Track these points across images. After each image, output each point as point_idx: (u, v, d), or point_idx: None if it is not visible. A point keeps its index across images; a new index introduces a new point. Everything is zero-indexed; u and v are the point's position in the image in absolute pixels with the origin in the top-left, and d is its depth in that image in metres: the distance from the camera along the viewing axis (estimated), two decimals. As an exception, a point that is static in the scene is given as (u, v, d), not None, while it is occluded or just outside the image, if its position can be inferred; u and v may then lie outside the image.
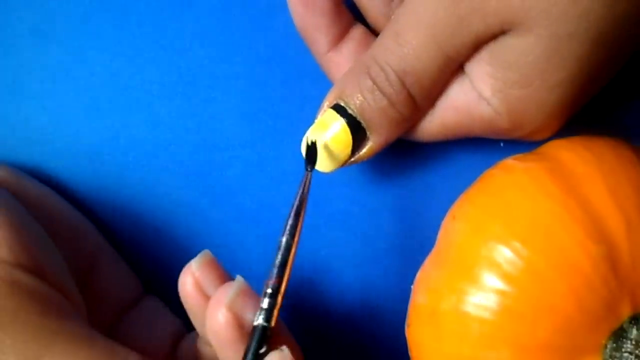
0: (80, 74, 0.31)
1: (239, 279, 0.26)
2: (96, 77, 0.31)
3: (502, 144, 0.31)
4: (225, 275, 0.27)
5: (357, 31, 0.29)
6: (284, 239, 0.26)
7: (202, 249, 0.31)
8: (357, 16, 0.30)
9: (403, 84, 0.27)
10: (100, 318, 0.29)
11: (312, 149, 0.27)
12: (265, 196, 0.31)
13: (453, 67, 0.27)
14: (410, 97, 0.27)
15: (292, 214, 0.26)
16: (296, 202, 0.27)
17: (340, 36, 0.29)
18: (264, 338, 0.25)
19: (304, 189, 0.27)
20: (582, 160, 0.25)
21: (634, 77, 0.32)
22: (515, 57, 0.25)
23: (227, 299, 0.25)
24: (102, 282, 0.29)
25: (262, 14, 0.31)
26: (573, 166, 0.25)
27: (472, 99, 0.27)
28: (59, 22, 0.31)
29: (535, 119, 0.27)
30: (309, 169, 0.27)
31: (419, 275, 0.28)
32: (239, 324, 0.25)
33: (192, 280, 0.27)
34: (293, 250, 0.26)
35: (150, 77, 0.31)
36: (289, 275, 0.26)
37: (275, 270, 0.26)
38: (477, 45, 0.26)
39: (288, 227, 0.26)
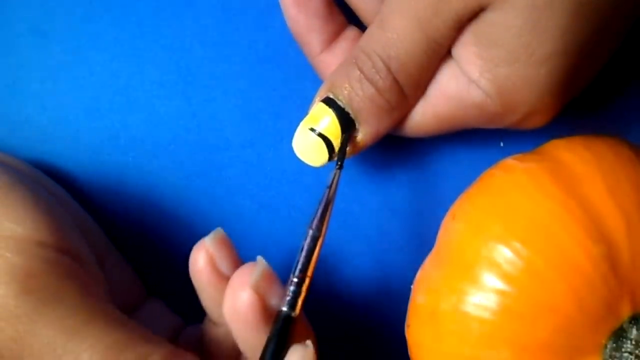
0: (80, 74, 0.31)
1: (261, 260, 0.26)
2: (96, 77, 0.31)
3: (502, 144, 0.31)
4: (238, 255, 0.27)
5: (350, 32, 0.29)
6: (311, 230, 0.26)
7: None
8: (350, 19, 0.30)
9: (389, 69, 0.27)
10: None
11: (343, 144, 0.27)
12: (265, 196, 0.31)
13: (439, 51, 0.27)
14: (397, 83, 0.27)
15: (322, 205, 0.26)
16: (325, 194, 0.27)
17: (333, 37, 0.29)
18: (289, 327, 0.25)
19: (333, 183, 0.27)
20: (581, 160, 0.25)
21: (634, 77, 0.32)
22: (498, 33, 0.25)
23: (253, 280, 0.25)
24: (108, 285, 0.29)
25: (261, 13, 0.31)
26: (573, 166, 0.25)
27: (462, 85, 0.27)
28: (59, 21, 0.31)
29: (527, 98, 0.27)
30: (338, 165, 0.27)
31: (419, 275, 0.28)
32: (263, 306, 0.25)
33: (205, 256, 0.26)
34: (320, 241, 0.26)
35: (150, 77, 0.31)
36: (314, 266, 0.26)
37: (301, 261, 0.26)
38: (459, 25, 0.26)
39: (317, 217, 0.26)
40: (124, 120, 0.31)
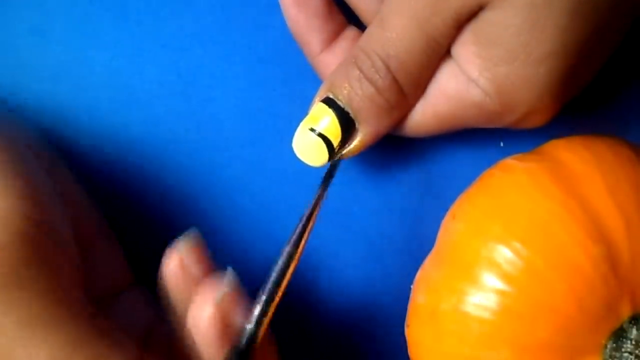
0: (80, 74, 0.31)
1: (229, 274, 0.26)
2: (96, 77, 0.31)
3: (502, 144, 0.31)
4: (210, 260, 0.27)
5: (350, 32, 0.30)
6: (287, 248, 0.26)
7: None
8: (350, 18, 0.30)
9: (388, 68, 0.27)
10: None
11: (333, 166, 0.27)
12: (265, 196, 0.31)
13: (438, 51, 0.27)
14: (396, 82, 0.27)
15: (300, 226, 0.26)
16: (305, 215, 0.26)
17: (332, 37, 0.29)
18: (246, 357, 0.25)
19: (315, 205, 0.27)
20: (581, 160, 0.25)
21: (634, 77, 0.32)
22: (497, 32, 0.25)
23: (217, 296, 0.25)
24: (91, 268, 0.28)
25: (261, 13, 0.31)
26: (573, 166, 0.25)
27: (461, 84, 0.27)
28: (59, 21, 0.31)
29: (526, 98, 0.27)
30: (324, 187, 0.27)
31: (419, 275, 0.28)
32: (225, 324, 0.25)
33: (177, 260, 0.26)
34: (294, 263, 0.26)
35: (149, 76, 0.31)
36: (285, 287, 0.26)
37: (272, 280, 0.26)
38: (458, 24, 0.26)
39: (294, 238, 0.26)
40: (124, 120, 0.31)
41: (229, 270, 0.26)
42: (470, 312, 0.24)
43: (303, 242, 0.26)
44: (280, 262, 0.26)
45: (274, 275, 0.26)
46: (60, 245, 0.25)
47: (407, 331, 0.27)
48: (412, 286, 0.28)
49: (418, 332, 0.27)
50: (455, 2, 0.25)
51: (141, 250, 0.31)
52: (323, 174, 0.28)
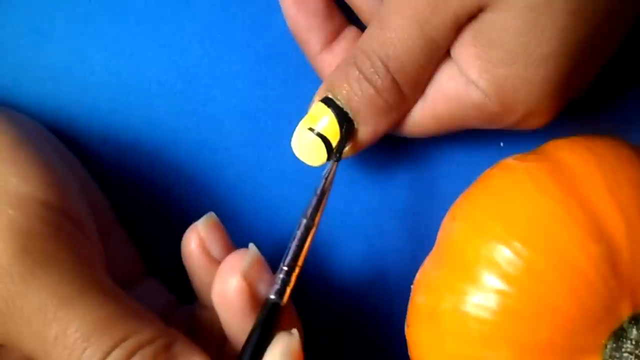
0: (80, 73, 0.31)
1: (252, 247, 0.26)
2: (96, 77, 0.31)
3: (502, 144, 0.31)
4: (230, 241, 0.27)
5: (350, 32, 0.30)
6: (305, 220, 0.26)
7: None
8: (350, 18, 0.30)
9: (387, 69, 0.27)
10: None
11: (342, 138, 0.27)
12: (265, 196, 0.31)
13: (437, 52, 0.27)
14: (395, 83, 0.27)
15: (317, 196, 0.27)
16: (321, 185, 0.27)
17: (332, 37, 0.29)
18: (275, 315, 0.25)
19: (329, 175, 0.27)
20: (582, 160, 0.25)
21: (634, 77, 0.32)
22: (497, 33, 0.25)
23: (243, 267, 0.25)
24: (107, 258, 0.29)
25: (261, 13, 0.31)
26: (573, 166, 0.25)
27: (461, 85, 0.27)
28: (59, 21, 0.31)
29: (525, 99, 0.26)
30: (336, 157, 0.27)
31: (419, 275, 0.28)
32: (252, 293, 0.25)
33: (197, 239, 0.27)
34: (313, 231, 0.26)
35: (149, 76, 0.31)
36: (305, 256, 0.26)
37: (292, 249, 0.26)
38: (458, 26, 0.26)
39: (312, 207, 0.26)
40: (124, 120, 0.31)
41: (251, 245, 0.26)
42: (470, 312, 0.24)
43: (320, 213, 0.27)
44: (299, 234, 0.26)
45: (293, 248, 0.26)
46: (81, 229, 0.26)
47: (407, 331, 0.27)
48: (412, 286, 0.28)
49: (418, 332, 0.27)
50: (455, 3, 0.25)
51: (143, 249, 0.31)
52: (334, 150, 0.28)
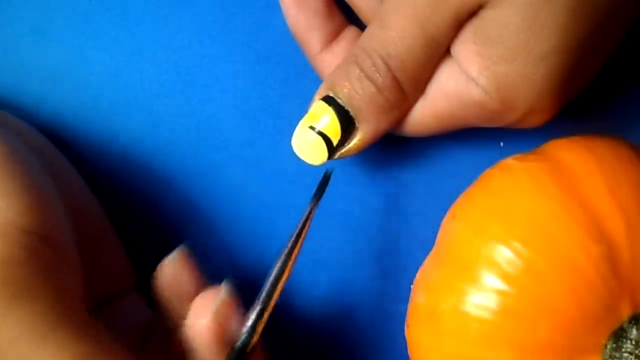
0: (80, 73, 0.31)
1: (224, 286, 0.26)
2: (96, 77, 0.31)
3: (502, 144, 0.31)
4: (201, 274, 0.27)
5: (350, 32, 0.30)
6: (279, 263, 0.26)
7: (202, 248, 0.31)
8: (351, 18, 0.30)
9: (388, 67, 0.27)
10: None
11: (325, 178, 0.28)
12: (265, 196, 0.31)
13: (438, 50, 0.27)
14: (396, 81, 0.27)
15: (293, 238, 0.26)
16: (298, 228, 0.27)
17: (332, 36, 0.29)
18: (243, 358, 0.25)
19: (306, 219, 0.27)
20: (582, 160, 0.25)
21: (634, 77, 0.32)
22: (497, 30, 0.25)
23: (213, 307, 0.25)
24: (95, 268, 0.28)
25: (261, 12, 0.31)
26: (573, 166, 0.25)
27: (461, 83, 0.27)
28: (59, 21, 0.31)
29: (526, 96, 0.26)
30: (316, 200, 0.27)
31: (418, 275, 0.28)
32: (222, 332, 0.25)
33: (168, 274, 0.26)
34: (287, 272, 0.26)
35: (149, 76, 0.31)
36: (278, 297, 0.26)
37: (266, 289, 0.26)
38: (458, 23, 0.26)
39: (285, 252, 0.26)
40: (124, 119, 0.31)
41: (224, 283, 0.26)
42: (470, 312, 0.24)
43: (295, 254, 0.26)
44: (274, 274, 0.26)
45: (267, 287, 0.26)
46: (62, 255, 0.25)
47: (407, 331, 0.27)
48: (412, 286, 0.28)
49: (418, 332, 0.27)
50: (455, 1, 0.25)
51: (141, 250, 0.31)
52: (315, 188, 0.28)
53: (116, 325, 0.29)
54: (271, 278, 0.26)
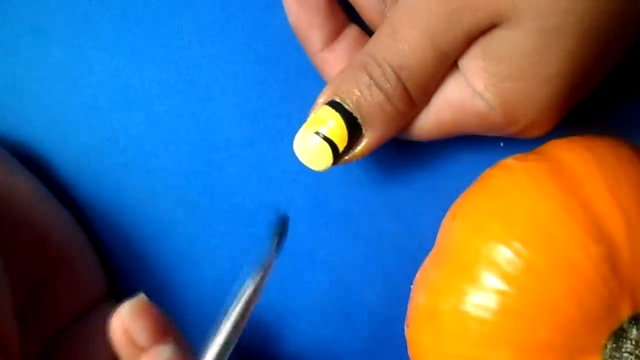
0: (80, 73, 0.31)
1: (171, 345, 0.25)
2: (96, 77, 0.31)
3: (502, 144, 0.31)
4: (159, 320, 0.25)
5: (352, 31, 0.30)
6: (225, 329, 0.24)
7: (201, 249, 0.31)
8: (352, 18, 0.30)
9: (399, 79, 0.27)
10: (47, 326, 0.28)
11: (284, 223, 0.26)
12: (265, 196, 0.31)
13: (447, 63, 0.27)
14: (407, 92, 0.27)
15: (237, 310, 0.24)
16: (245, 296, 0.24)
17: (334, 35, 0.29)
18: None
19: (258, 283, 0.25)
20: (582, 160, 0.25)
21: (634, 76, 0.32)
22: (506, 50, 0.26)
23: None
24: (58, 291, 0.28)
25: (261, 12, 0.31)
26: (573, 166, 0.25)
27: (466, 95, 0.27)
28: (59, 21, 0.31)
29: (528, 113, 0.27)
30: (275, 250, 0.25)
31: (418, 275, 0.28)
32: None
33: (121, 326, 0.25)
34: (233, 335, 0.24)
35: (149, 76, 0.31)
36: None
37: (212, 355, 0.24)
38: (469, 40, 0.26)
39: (233, 319, 0.24)
40: (124, 119, 0.31)
41: (174, 338, 0.25)
42: (470, 312, 0.24)
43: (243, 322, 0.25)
44: (221, 337, 0.24)
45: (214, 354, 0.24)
46: (6, 352, 0.24)
47: (407, 331, 0.27)
48: (412, 286, 0.28)
49: (418, 332, 0.27)
50: (468, 18, 0.25)
51: (140, 250, 0.31)
52: (269, 242, 0.25)
53: (86, 349, 0.28)
54: (217, 345, 0.24)
